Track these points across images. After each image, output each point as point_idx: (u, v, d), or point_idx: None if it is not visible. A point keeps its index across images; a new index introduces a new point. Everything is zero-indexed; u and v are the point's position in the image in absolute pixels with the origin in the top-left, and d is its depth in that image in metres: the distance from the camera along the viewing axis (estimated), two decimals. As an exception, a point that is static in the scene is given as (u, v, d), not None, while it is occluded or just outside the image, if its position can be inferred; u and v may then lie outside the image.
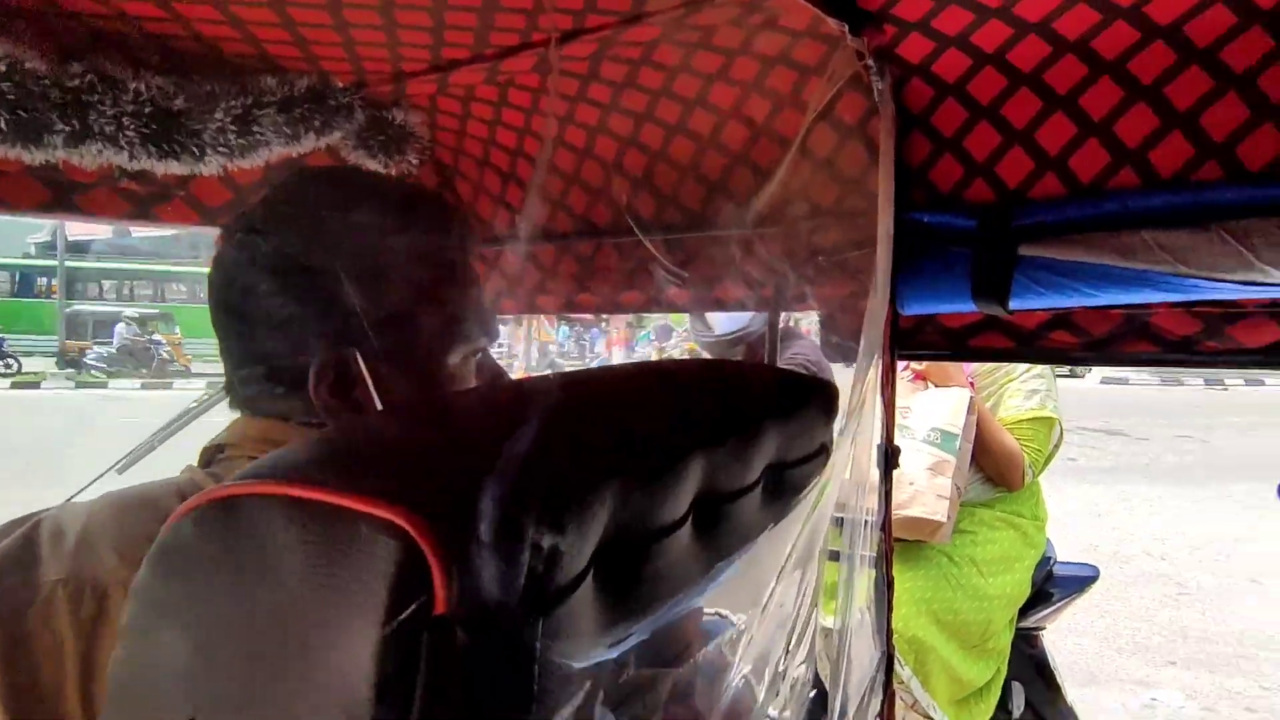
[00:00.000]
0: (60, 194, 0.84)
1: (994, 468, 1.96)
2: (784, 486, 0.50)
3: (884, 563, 0.98)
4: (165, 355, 16.01)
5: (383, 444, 0.30)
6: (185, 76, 0.85)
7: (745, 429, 0.42)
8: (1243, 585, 4.74)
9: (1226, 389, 15.56)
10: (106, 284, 22.17)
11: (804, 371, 1.95)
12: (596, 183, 1.15)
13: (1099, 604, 4.26)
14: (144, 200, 0.91)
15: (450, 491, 0.25)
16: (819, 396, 0.55)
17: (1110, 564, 5.03)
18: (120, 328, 16.00)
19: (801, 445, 0.53)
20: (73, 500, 0.57)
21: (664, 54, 0.92)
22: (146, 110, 0.78)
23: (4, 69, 0.68)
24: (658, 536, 0.37)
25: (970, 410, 1.87)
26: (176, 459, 0.65)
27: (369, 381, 0.55)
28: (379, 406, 0.54)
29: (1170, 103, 0.79)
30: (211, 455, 0.60)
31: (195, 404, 1.33)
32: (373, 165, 1.08)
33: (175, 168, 0.83)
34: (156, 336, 16.55)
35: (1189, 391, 15.33)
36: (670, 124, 1.03)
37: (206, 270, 0.64)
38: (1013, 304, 0.89)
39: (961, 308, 0.93)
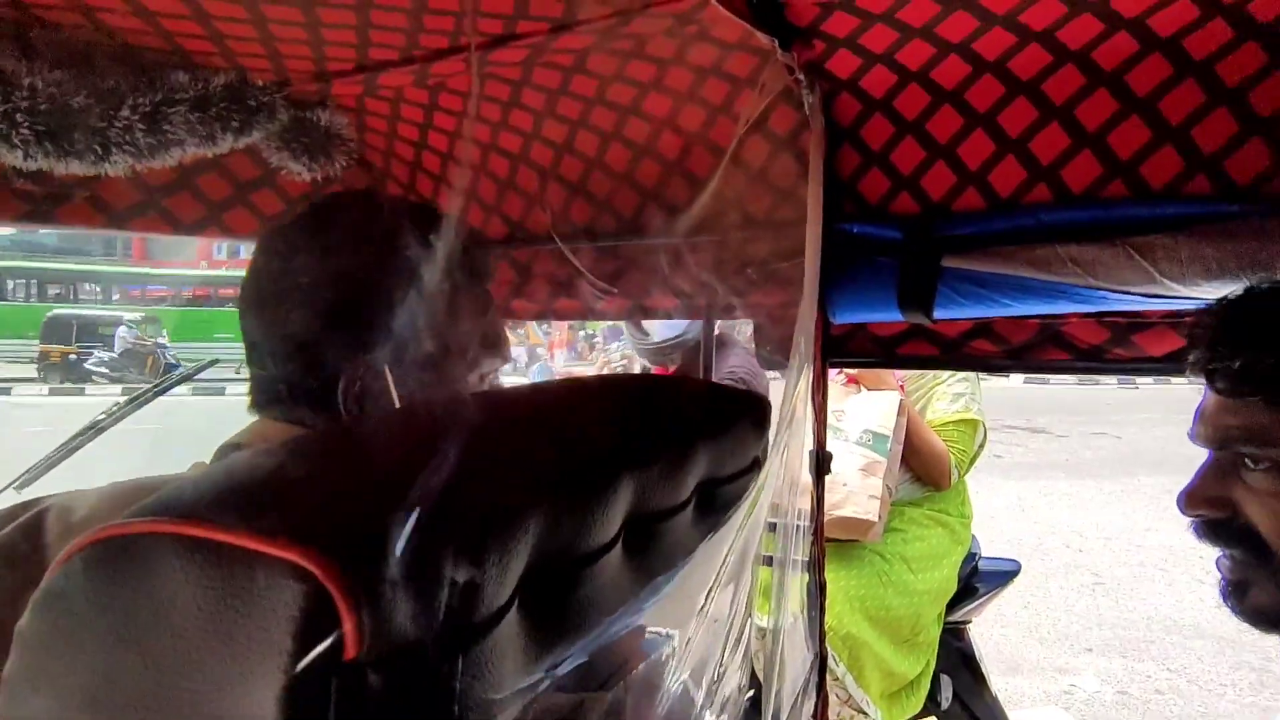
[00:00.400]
0: None
1: (922, 468, 2.02)
2: (716, 503, 0.50)
3: (816, 567, 0.99)
4: (171, 359, 15.46)
5: (288, 476, 0.28)
6: (88, 71, 0.80)
7: (676, 448, 0.42)
8: (1151, 573, 5.02)
9: (1137, 388, 16.46)
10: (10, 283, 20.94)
11: (737, 384, 1.97)
12: (530, 189, 1.14)
13: (1022, 596, 4.45)
14: (43, 201, 0.85)
15: (358, 528, 0.24)
16: (751, 411, 0.56)
17: (1033, 556, 5.26)
18: (122, 331, 15.47)
19: (734, 461, 0.53)
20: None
21: (597, 62, 0.91)
22: (42, 107, 0.73)
23: (-124, 59, 0.62)
24: (587, 561, 0.37)
25: (900, 413, 1.92)
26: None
27: (394, 395, 0.57)
28: None
29: (1080, 123, 0.82)
30: (225, 453, 0.59)
31: (104, 415, 1.26)
32: (296, 167, 1.04)
33: (77, 168, 0.78)
34: (162, 340, 16.05)
35: (1103, 390, 16.16)
36: (604, 131, 1.02)
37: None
38: (936, 314, 0.91)
39: (889, 317, 0.96)
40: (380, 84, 0.96)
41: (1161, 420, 11.03)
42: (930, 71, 0.85)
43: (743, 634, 0.65)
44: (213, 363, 1.52)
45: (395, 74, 0.92)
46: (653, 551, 0.41)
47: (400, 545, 0.23)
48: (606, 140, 1.03)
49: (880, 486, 1.89)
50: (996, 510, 6.14)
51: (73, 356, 15.37)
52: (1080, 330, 0.92)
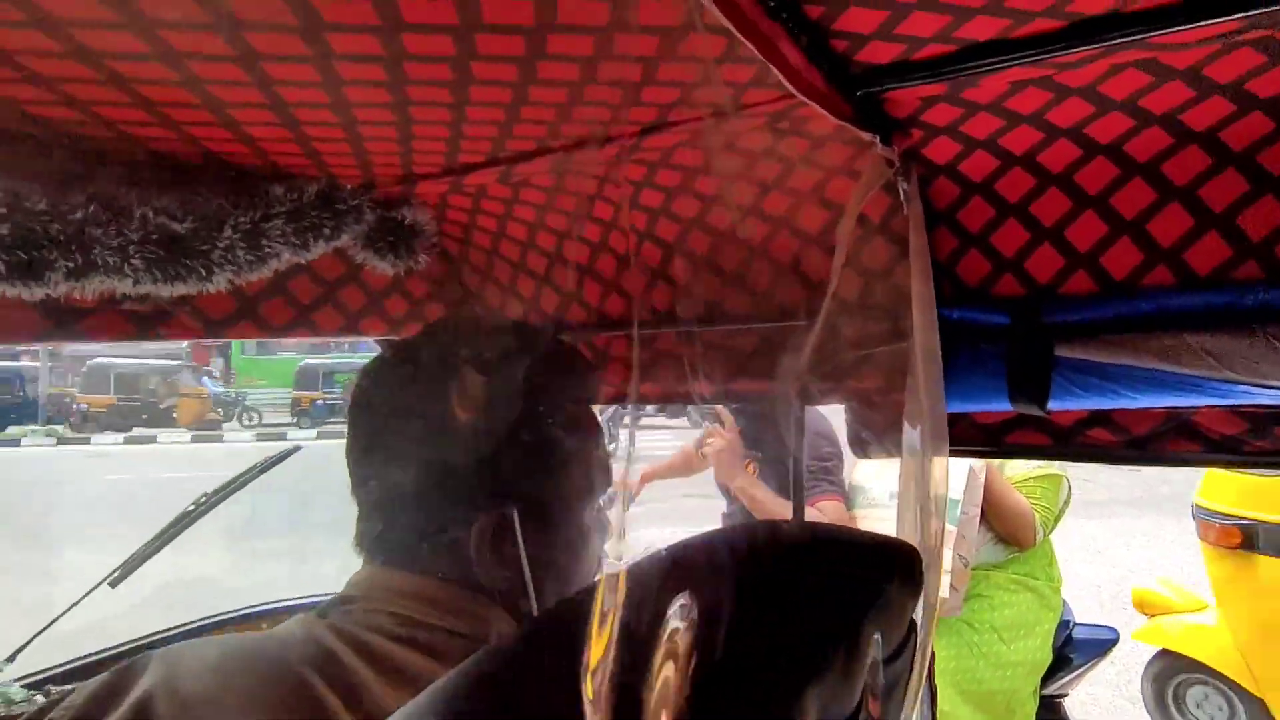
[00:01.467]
0: (61, 322, 0.80)
1: (1004, 528, 1.93)
2: (881, 686, 0.45)
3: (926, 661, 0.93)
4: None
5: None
6: (191, 191, 0.81)
7: (846, 641, 0.38)
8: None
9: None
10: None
11: (826, 465, 1.91)
12: (608, 273, 1.13)
13: (1107, 648, 4.20)
14: (147, 319, 0.87)
15: None
16: (902, 564, 0.49)
17: (1113, 605, 4.97)
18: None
19: (895, 635, 0.47)
20: (171, 649, 0.52)
21: (682, 156, 0.90)
22: (153, 237, 0.74)
23: (3, 211, 0.64)
24: None
25: (973, 475, 1.84)
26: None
27: (520, 540, 0.55)
28: (526, 566, 0.52)
29: (1206, 204, 0.77)
30: (336, 605, 0.57)
31: (193, 506, 1.28)
32: (382, 265, 1.05)
33: (181, 289, 0.79)
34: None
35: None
36: (685, 218, 1.01)
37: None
38: (1051, 404, 0.86)
39: (995, 406, 0.90)
40: (465, 183, 0.97)
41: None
42: (1037, 155, 0.81)
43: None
44: (295, 450, 1.53)
45: (480, 175, 0.92)
46: None
47: None
48: (687, 227, 1.02)
49: (951, 558, 1.80)
50: (1069, 554, 5.83)
51: (320, 401, 16.56)
52: (1213, 420, 0.85)
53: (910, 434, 0.75)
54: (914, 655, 0.49)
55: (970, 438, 0.96)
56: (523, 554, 0.55)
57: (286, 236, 0.88)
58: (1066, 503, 2.01)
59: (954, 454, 1.59)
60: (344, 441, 0.63)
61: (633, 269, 1.07)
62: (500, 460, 0.57)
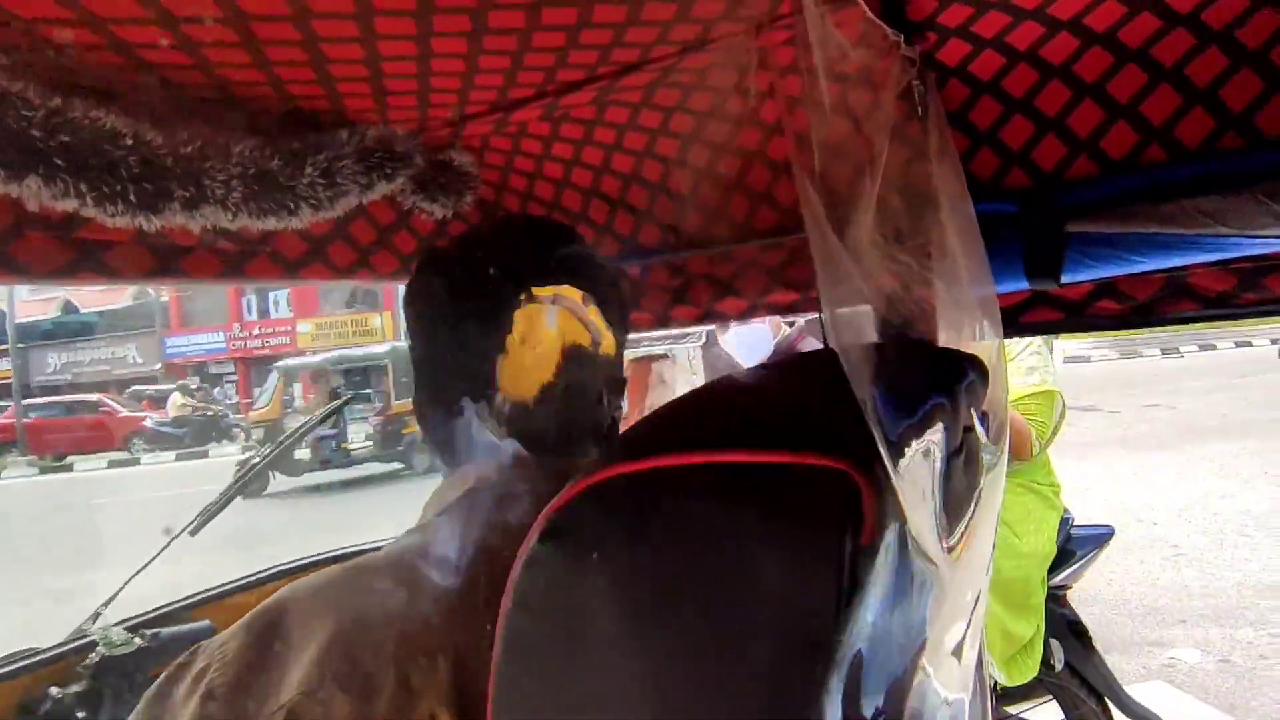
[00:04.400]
0: (166, 259, 0.86)
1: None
2: (968, 448, 0.55)
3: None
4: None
5: (754, 407, 0.33)
6: (268, 135, 0.88)
7: (955, 387, 0.47)
8: (1233, 539, 4.91)
9: (1182, 356, 16.12)
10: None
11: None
12: (641, 205, 1.20)
13: (1104, 573, 4.38)
14: (236, 259, 0.93)
15: (853, 437, 0.29)
16: (978, 367, 0.61)
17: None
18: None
19: (975, 411, 0.57)
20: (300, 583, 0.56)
21: (716, 77, 0.97)
22: (250, 172, 0.80)
23: (130, 143, 0.70)
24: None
25: None
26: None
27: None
28: None
29: (1191, 81, 0.87)
30: (441, 498, 0.63)
31: (256, 459, 1.34)
32: (432, 208, 1.11)
33: (270, 224, 0.86)
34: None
35: (1147, 362, 15.86)
36: (717, 143, 1.08)
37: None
38: (1065, 278, 0.95)
39: (1015, 286, 1.00)
40: (509, 121, 1.03)
41: (1214, 387, 10.79)
42: (1039, 49, 0.90)
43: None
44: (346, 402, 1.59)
45: (526, 110, 0.99)
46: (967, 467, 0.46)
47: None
48: (717, 151, 1.09)
49: None
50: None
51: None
52: (1206, 280, 0.95)
53: (951, 321, 0.84)
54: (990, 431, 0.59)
55: (990, 321, 1.05)
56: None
57: (354, 176, 0.94)
58: (1062, 416, 2.13)
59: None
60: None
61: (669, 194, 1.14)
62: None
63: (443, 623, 0.50)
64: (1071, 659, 2.09)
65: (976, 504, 0.46)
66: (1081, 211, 0.94)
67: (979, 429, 0.59)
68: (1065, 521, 2.12)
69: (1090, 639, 2.13)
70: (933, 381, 0.44)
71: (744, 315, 1.23)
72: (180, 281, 0.88)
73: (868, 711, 0.29)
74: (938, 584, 0.38)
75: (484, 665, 0.39)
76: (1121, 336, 18.52)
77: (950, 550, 0.37)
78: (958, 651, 0.48)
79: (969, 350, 0.73)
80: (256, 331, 22.48)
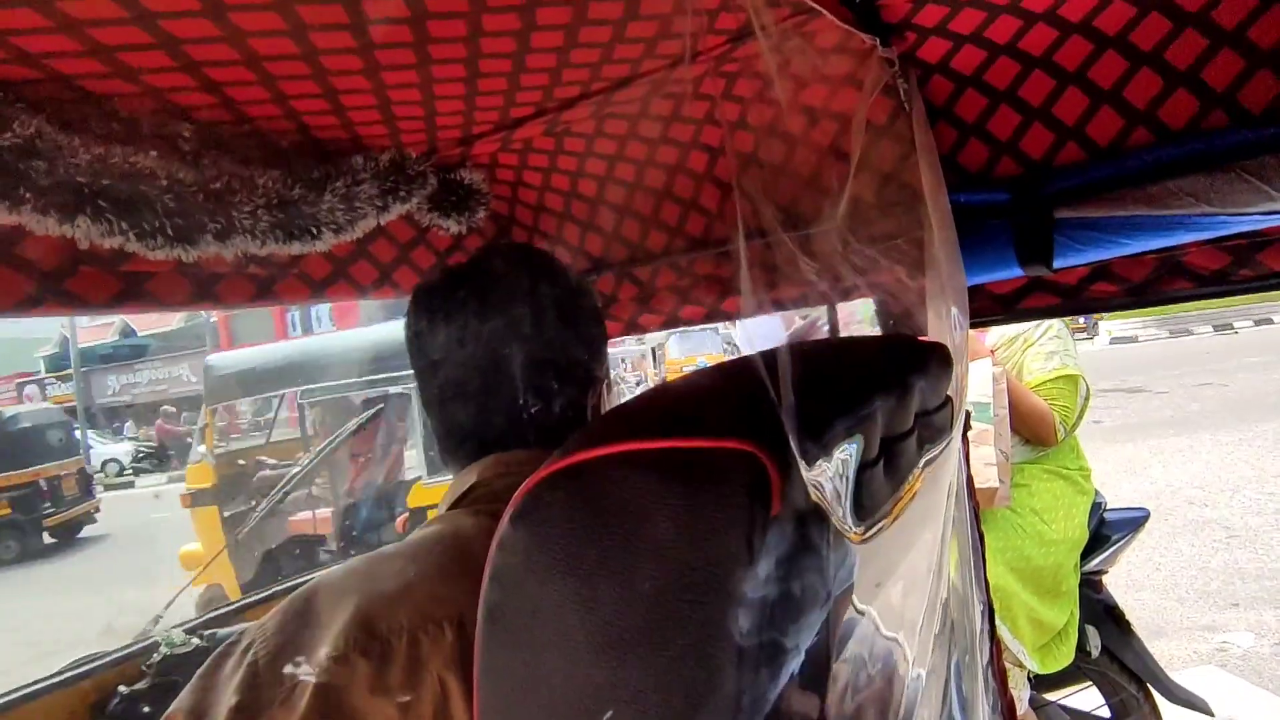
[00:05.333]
0: (201, 287, 0.94)
1: (1028, 430, 2.05)
2: (930, 430, 0.58)
3: (974, 520, 1.05)
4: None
5: (687, 403, 0.38)
6: (291, 165, 0.95)
7: (902, 381, 0.51)
8: (1290, 520, 4.75)
9: (1236, 332, 15.55)
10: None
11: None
12: (646, 212, 1.25)
13: (1152, 558, 4.28)
14: (267, 283, 1.01)
15: (769, 427, 0.34)
16: (939, 355, 0.64)
17: (1155, 517, 5.05)
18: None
19: (935, 397, 0.61)
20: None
21: (708, 85, 1.02)
22: (274, 201, 0.87)
23: (165, 183, 0.77)
24: (888, 444, 0.47)
25: (998, 379, 1.95)
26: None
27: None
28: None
29: (1171, 64, 0.88)
30: (463, 496, 0.69)
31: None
32: (447, 224, 1.18)
33: (296, 249, 0.93)
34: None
35: (1199, 340, 15.33)
36: (713, 147, 1.13)
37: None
38: (1056, 263, 0.97)
39: (1006, 274, 1.02)
40: (514, 138, 1.09)
41: (1269, 364, 10.40)
42: (1019, 42, 0.92)
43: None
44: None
45: (528, 127, 1.05)
46: (893, 466, 0.50)
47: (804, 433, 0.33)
48: (715, 155, 1.13)
49: (994, 453, 1.92)
50: (1107, 475, 5.92)
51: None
52: (1201, 258, 0.96)
53: (936, 310, 0.88)
54: (953, 415, 0.62)
55: (987, 308, 1.07)
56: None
57: (371, 199, 1.01)
58: (1087, 400, 2.11)
59: (974, 324, 1.72)
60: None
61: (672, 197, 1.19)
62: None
63: (450, 597, 0.57)
64: (1109, 644, 2.07)
65: (904, 494, 0.50)
66: (1072, 197, 0.96)
67: (942, 412, 0.63)
68: (1097, 506, 2.10)
69: (1128, 624, 2.11)
70: (874, 379, 0.48)
71: (746, 314, 1.27)
72: (217, 306, 0.96)
73: (790, 644, 0.34)
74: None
75: None
76: (1169, 314, 17.94)
77: (864, 537, 0.41)
78: (903, 603, 0.52)
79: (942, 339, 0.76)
80: (301, 346, 23.11)
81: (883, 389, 0.47)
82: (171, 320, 23.98)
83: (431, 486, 4.02)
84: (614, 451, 0.33)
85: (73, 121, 0.72)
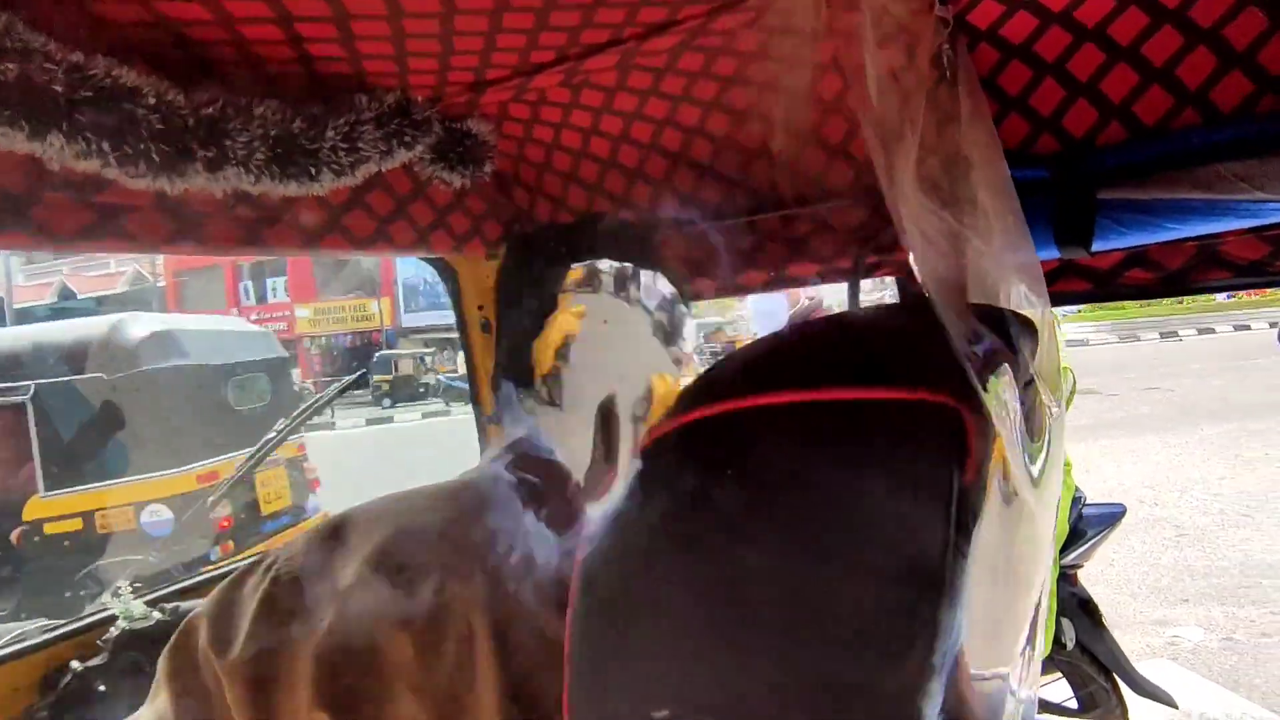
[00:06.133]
0: (183, 226, 0.84)
1: None
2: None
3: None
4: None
5: (850, 345, 0.32)
6: (287, 99, 0.86)
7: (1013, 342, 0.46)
8: (1235, 520, 4.93)
9: (1181, 340, 16.13)
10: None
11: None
12: (659, 174, 1.18)
13: (1105, 554, 4.39)
14: (256, 226, 0.92)
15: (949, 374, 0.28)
16: (1030, 328, 0.60)
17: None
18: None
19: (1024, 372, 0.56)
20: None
21: (744, 41, 0.95)
22: (273, 134, 0.79)
23: (152, 102, 0.68)
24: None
25: None
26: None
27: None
28: None
29: (1229, 43, 0.85)
30: (508, 448, 0.67)
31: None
32: (451, 178, 1.09)
33: (292, 189, 0.84)
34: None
35: (1146, 346, 15.86)
36: (738, 110, 1.06)
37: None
38: (1096, 245, 0.94)
39: (1045, 255, 0.98)
40: (529, 87, 1.01)
41: (1214, 370, 10.80)
42: (1074, 11, 0.88)
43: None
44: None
45: (547, 75, 0.97)
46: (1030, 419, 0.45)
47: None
48: (738, 119, 1.07)
49: None
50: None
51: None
52: (1238, 248, 0.94)
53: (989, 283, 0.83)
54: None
55: (1017, 291, 1.04)
56: None
57: (374, 142, 0.92)
58: (1072, 393, 2.12)
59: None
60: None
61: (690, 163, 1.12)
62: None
63: (484, 541, 0.55)
64: (1083, 637, 2.10)
65: (1046, 452, 0.45)
66: (1112, 178, 0.92)
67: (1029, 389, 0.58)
68: (1077, 501, 2.12)
69: (1101, 617, 2.14)
70: (1002, 332, 0.43)
71: (765, 287, 1.22)
72: (198, 249, 0.87)
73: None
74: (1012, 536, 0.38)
75: (520, 585, 0.49)
76: (1120, 319, 18.51)
77: (1035, 483, 0.36)
78: (1031, 640, 0.47)
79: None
80: (254, 317, 22.44)
81: (1007, 334, 0.42)
82: (116, 283, 23.04)
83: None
84: (775, 402, 0.27)
85: (49, 22, 0.62)
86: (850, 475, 0.25)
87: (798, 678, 0.26)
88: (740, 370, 0.31)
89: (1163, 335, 16.88)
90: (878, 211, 1.08)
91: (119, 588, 1.23)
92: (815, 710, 0.26)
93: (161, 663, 0.53)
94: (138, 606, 1.15)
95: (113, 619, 1.15)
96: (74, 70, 0.64)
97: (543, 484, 0.61)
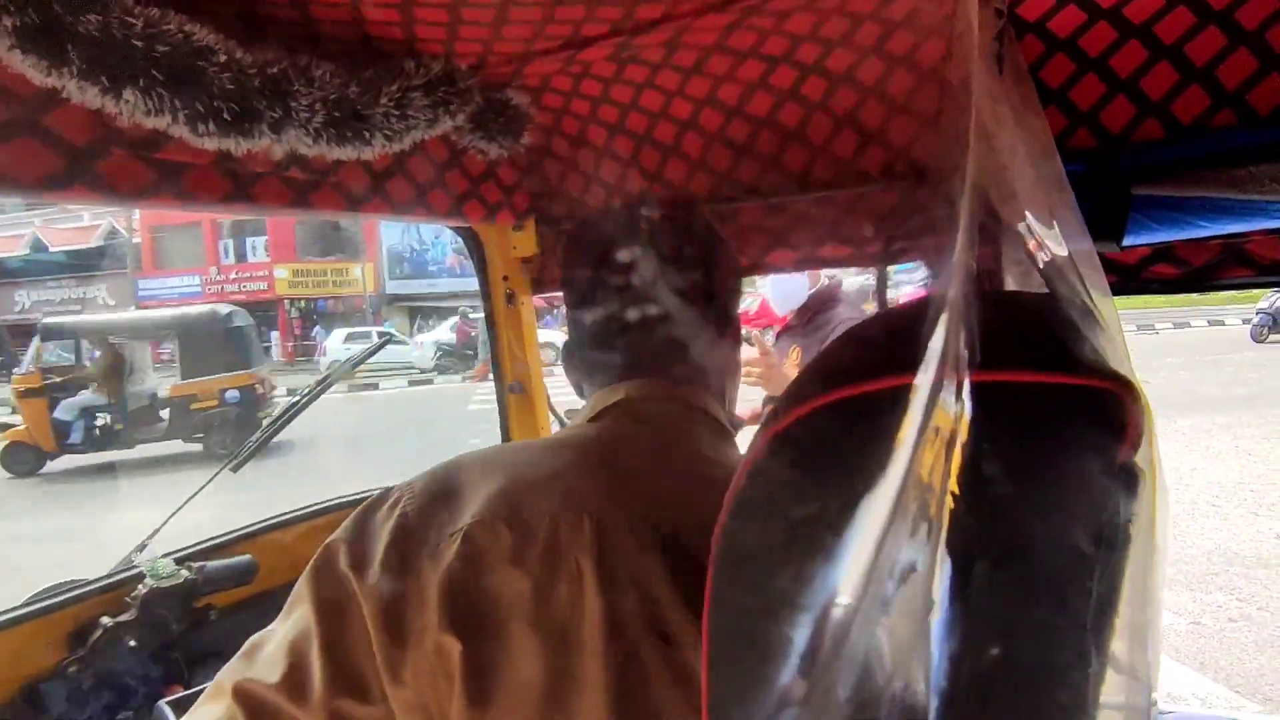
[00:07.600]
0: (239, 186, 0.84)
1: None
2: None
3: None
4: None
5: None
6: (341, 62, 0.85)
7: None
8: (1204, 509, 5.08)
9: (1158, 333, 16.42)
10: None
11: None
12: (696, 154, 1.19)
13: (1080, 539, 4.52)
14: (303, 188, 0.91)
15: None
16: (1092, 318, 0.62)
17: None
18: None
19: None
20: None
21: (795, 23, 0.96)
22: (332, 97, 0.79)
23: (223, 60, 0.68)
24: None
25: None
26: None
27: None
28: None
29: (1271, 46, 0.87)
30: (608, 409, 0.71)
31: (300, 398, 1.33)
32: (489, 148, 1.09)
33: (347, 152, 0.84)
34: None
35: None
36: (780, 90, 1.07)
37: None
38: (1126, 240, 0.96)
39: (1075, 247, 1.01)
40: (576, 59, 1.01)
41: (1184, 364, 11.04)
42: (1123, 7, 0.89)
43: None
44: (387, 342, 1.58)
45: (597, 48, 0.97)
46: None
47: None
48: (781, 100, 1.08)
49: None
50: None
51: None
52: (1263, 248, 0.97)
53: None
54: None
55: (1043, 282, 1.06)
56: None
57: (423, 109, 0.92)
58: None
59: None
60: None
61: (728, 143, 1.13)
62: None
63: (591, 491, 0.59)
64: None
65: None
66: (1146, 175, 0.95)
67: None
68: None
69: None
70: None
71: (796, 267, 1.23)
72: (250, 210, 0.86)
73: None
74: None
75: (624, 530, 0.55)
76: (1099, 312, 18.69)
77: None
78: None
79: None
80: (234, 276, 22.04)
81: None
82: (90, 237, 22.50)
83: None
84: (981, 380, 0.29)
85: (124, -26, 0.62)
86: (1055, 447, 0.28)
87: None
88: (866, 350, 0.32)
89: (1140, 328, 17.18)
90: (909, 197, 1.10)
91: (145, 544, 1.24)
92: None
93: (303, 581, 0.57)
94: (165, 565, 1.16)
95: (141, 576, 1.16)
96: (149, 25, 0.63)
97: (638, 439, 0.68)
